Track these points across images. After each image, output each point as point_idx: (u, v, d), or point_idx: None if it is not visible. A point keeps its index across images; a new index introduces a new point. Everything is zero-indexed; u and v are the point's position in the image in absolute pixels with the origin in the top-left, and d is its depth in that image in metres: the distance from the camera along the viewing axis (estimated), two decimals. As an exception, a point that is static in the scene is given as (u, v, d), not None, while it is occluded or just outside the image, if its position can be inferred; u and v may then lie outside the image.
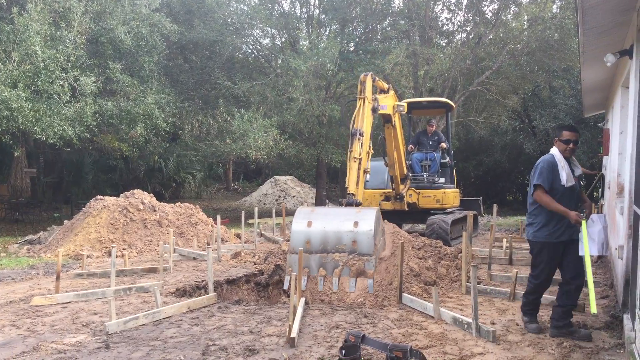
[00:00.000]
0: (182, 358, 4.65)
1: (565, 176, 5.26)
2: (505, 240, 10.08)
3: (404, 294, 6.61)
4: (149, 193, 13.19)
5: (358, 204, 7.47)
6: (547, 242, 5.29)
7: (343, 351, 4.28)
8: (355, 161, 7.70)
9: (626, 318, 5.19)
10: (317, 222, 6.91)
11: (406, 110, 10.31)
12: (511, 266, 9.11)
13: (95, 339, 5.19)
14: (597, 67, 7.85)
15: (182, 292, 7.34)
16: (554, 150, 5.39)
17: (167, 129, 17.47)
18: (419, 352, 4.00)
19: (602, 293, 7.16)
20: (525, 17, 20.74)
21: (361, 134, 7.86)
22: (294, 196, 29.92)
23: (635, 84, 5.32)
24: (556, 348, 4.90)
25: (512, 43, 20.24)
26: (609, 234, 6.03)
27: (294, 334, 5.01)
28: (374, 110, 8.53)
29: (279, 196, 30.06)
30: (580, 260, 5.13)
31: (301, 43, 20.33)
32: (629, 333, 4.73)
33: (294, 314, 5.34)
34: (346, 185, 7.87)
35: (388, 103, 9.34)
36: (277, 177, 31.94)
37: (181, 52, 20.94)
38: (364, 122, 8.08)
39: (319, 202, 21.82)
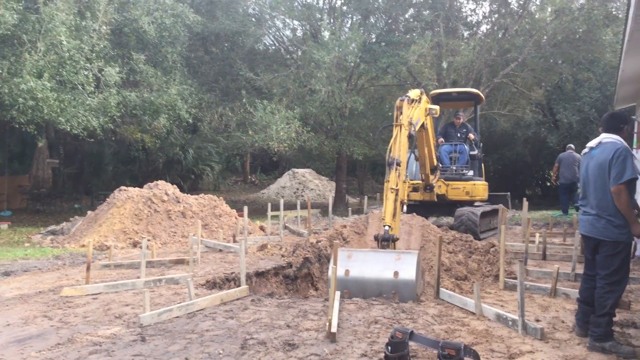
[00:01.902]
0: (221, 352, 4.52)
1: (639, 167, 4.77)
2: (538, 235, 9.84)
3: (442, 289, 6.44)
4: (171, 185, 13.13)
5: (395, 240, 7.03)
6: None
7: (389, 347, 4.11)
8: (392, 192, 7.27)
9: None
10: (354, 270, 6.48)
11: (438, 114, 9.83)
12: (545, 261, 8.88)
13: (130, 331, 5.09)
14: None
15: (212, 284, 7.23)
16: (619, 139, 4.83)
17: (190, 120, 17.40)
18: (472, 350, 3.83)
19: (645, 290, 6.93)
20: (552, 8, 20.28)
21: (398, 164, 7.45)
22: (312, 189, 29.81)
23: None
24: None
25: (537, 34, 19.84)
26: None
27: (334, 329, 4.86)
28: (410, 136, 8.10)
29: (297, 189, 29.96)
30: None
31: (323, 34, 20.15)
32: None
33: (331, 307, 5.20)
34: (382, 217, 7.46)
35: (421, 114, 8.87)
36: (295, 170, 31.81)
37: (202, 44, 20.84)
38: (401, 150, 7.67)
39: (339, 195, 21.65)
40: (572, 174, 15.84)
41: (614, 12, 19.17)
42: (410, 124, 8.10)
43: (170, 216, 11.84)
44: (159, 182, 12.95)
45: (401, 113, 7.98)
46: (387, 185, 7.36)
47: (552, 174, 17.60)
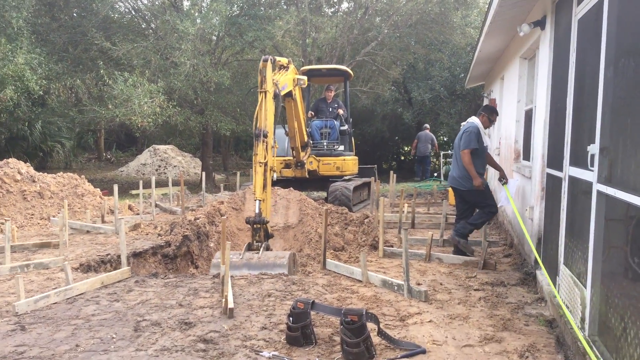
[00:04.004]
0: (114, 336, 4.30)
1: (487, 140, 7.26)
2: (407, 205, 10.44)
3: (328, 260, 6.63)
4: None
5: (265, 222, 6.84)
6: None
7: (291, 318, 4.17)
8: (260, 165, 7.02)
9: (539, 274, 5.59)
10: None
11: (306, 84, 9.78)
12: (414, 229, 9.47)
13: (5, 320, 4.64)
14: (497, 39, 8.26)
15: (86, 267, 6.79)
16: (476, 120, 7.05)
17: (41, 92, 15.88)
18: (373, 315, 4.01)
19: (503, 252, 7.68)
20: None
21: (265, 135, 7.11)
22: (175, 166, 28.81)
23: (549, 54, 5.64)
24: (485, 304, 5.17)
25: (395, 15, 20.73)
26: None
27: (231, 305, 4.82)
28: (276, 96, 7.71)
29: (159, 166, 28.77)
30: None
31: (185, 4, 19.37)
32: (547, 288, 5.09)
33: (227, 284, 5.15)
34: (253, 191, 7.19)
35: (288, 81, 8.65)
36: (157, 146, 30.45)
37: (49, 10, 18.99)
38: (267, 119, 7.29)
39: (206, 172, 21.16)
40: (425, 149, 18.38)
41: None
42: (276, 85, 7.74)
43: (25, 197, 10.84)
44: (10, 160, 11.76)
45: (265, 78, 7.39)
46: (255, 159, 7.08)
47: (411, 148, 19.94)
